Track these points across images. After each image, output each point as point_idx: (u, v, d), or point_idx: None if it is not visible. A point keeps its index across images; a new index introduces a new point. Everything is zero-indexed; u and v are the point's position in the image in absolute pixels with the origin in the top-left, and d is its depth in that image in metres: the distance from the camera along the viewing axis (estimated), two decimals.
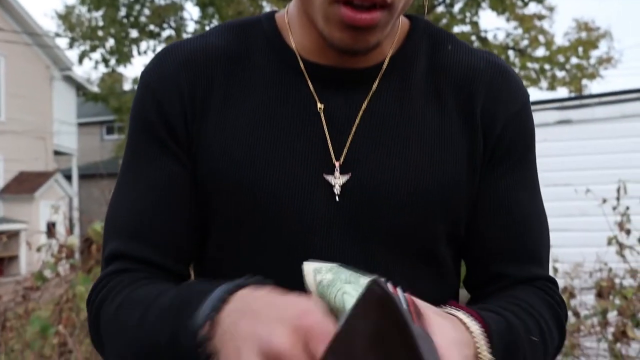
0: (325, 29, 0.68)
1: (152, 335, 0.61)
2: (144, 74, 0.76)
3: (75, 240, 4.28)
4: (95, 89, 18.38)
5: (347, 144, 0.72)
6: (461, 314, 0.62)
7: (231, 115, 0.73)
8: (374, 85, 0.74)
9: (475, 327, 0.61)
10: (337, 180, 0.71)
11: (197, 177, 0.73)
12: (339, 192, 0.71)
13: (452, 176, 0.73)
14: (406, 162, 0.72)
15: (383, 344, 0.44)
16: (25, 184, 14.08)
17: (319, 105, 0.73)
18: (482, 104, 0.75)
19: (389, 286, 0.46)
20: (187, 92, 0.73)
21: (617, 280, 3.56)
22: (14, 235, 12.64)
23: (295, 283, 0.62)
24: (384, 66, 0.75)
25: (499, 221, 0.76)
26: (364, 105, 0.73)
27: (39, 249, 4.15)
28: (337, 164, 0.72)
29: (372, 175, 0.72)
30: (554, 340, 0.73)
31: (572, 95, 15.07)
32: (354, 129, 0.73)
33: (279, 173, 0.71)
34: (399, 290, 0.52)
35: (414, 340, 0.43)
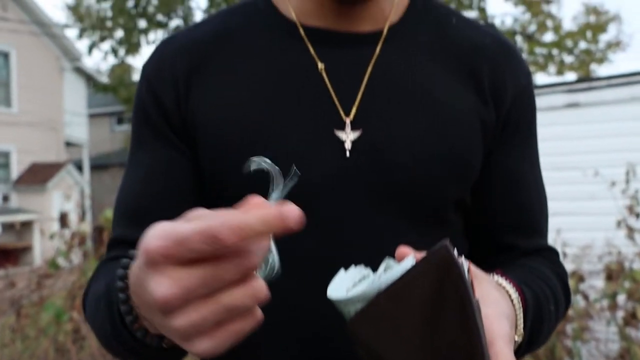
0: None
1: (101, 324, 0.63)
2: (142, 66, 0.78)
3: (87, 227, 4.32)
4: (104, 79, 18.45)
5: (357, 102, 0.72)
6: (508, 286, 0.63)
7: (230, 90, 0.74)
8: (377, 49, 0.74)
9: (517, 302, 0.62)
10: (348, 136, 0.70)
11: (200, 156, 0.74)
12: (349, 148, 0.70)
13: (464, 143, 0.73)
14: (417, 123, 0.72)
15: (438, 307, 0.43)
16: (38, 175, 14.19)
17: (319, 65, 0.73)
18: (490, 79, 0.76)
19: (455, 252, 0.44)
20: (182, 77, 0.74)
21: (626, 264, 3.56)
22: (27, 225, 12.79)
23: (304, 242, 0.63)
24: (384, 32, 0.76)
25: (507, 194, 0.78)
26: (370, 67, 0.73)
27: (52, 237, 4.21)
28: (347, 119, 0.71)
29: (384, 133, 0.71)
30: (563, 308, 0.77)
31: (581, 78, 14.93)
32: (362, 88, 0.72)
33: (284, 132, 0.71)
34: (462, 258, 0.50)
35: (472, 312, 0.42)
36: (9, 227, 12.67)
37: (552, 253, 0.81)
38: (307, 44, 0.74)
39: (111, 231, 0.78)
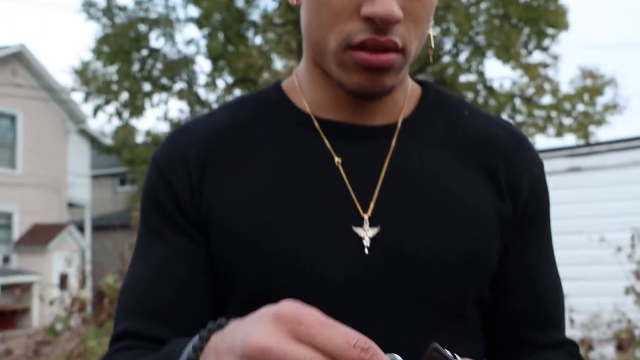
0: (343, 75, 0.69)
1: None
2: (154, 154, 0.77)
3: (87, 293, 4.26)
4: (108, 141, 18.66)
5: (374, 198, 0.71)
6: None
7: (244, 181, 0.72)
8: (393, 142, 0.74)
9: None
10: (367, 233, 0.69)
11: (213, 249, 0.72)
12: (368, 245, 0.69)
13: (482, 238, 0.72)
14: (435, 219, 0.71)
15: None
16: (39, 236, 14.14)
17: (336, 159, 0.72)
18: (505, 173, 0.76)
19: (447, 352, 0.45)
20: (195, 168, 0.73)
21: (636, 332, 3.49)
22: (27, 287, 12.65)
23: None
24: (398, 126, 0.76)
25: (525, 288, 0.77)
26: (387, 161, 0.73)
27: (51, 303, 4.14)
28: (365, 216, 0.70)
29: (402, 230, 0.70)
30: None
31: (581, 142, 15.09)
32: (379, 183, 0.71)
33: (300, 227, 0.69)
34: (456, 356, 0.50)
35: None
36: (8, 288, 12.53)
37: (571, 346, 0.79)
38: (322, 137, 0.74)
39: (115, 322, 0.73)
